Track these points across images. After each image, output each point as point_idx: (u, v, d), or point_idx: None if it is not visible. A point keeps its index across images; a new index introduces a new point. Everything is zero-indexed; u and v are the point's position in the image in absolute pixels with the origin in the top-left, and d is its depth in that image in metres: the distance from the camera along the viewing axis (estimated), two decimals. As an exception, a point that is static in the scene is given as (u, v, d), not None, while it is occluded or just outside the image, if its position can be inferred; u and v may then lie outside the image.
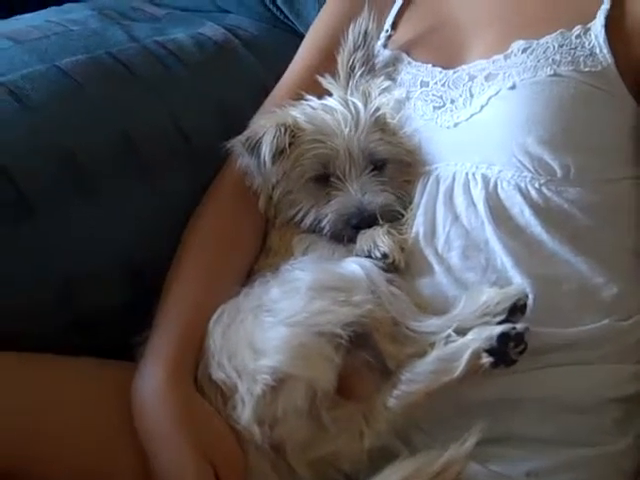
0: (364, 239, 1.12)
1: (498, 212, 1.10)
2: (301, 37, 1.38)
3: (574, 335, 1.05)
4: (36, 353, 1.07)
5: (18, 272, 1.09)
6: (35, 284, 1.10)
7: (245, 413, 1.01)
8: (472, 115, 1.16)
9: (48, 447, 1.01)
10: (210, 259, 1.15)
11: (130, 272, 1.19)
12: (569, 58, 1.12)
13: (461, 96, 1.18)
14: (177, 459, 1.00)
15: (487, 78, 1.17)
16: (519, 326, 1.01)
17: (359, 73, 1.24)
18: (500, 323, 1.02)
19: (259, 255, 1.20)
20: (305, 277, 1.06)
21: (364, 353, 1.04)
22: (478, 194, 1.11)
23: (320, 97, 1.24)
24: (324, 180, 1.17)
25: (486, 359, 1.01)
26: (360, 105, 1.20)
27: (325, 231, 1.15)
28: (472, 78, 1.18)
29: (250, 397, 1.01)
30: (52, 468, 1.00)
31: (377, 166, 1.17)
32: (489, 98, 1.15)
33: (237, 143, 1.17)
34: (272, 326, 1.03)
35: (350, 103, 1.20)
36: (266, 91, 1.32)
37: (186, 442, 1.00)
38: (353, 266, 1.08)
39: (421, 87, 1.22)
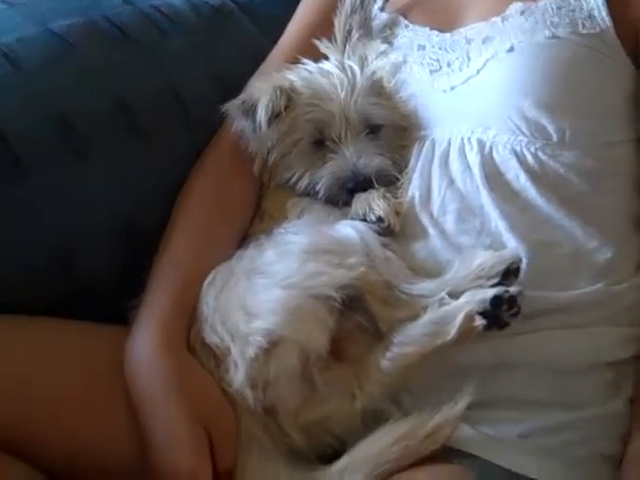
0: (359, 203, 1.12)
1: (493, 176, 1.09)
2: (297, 0, 1.37)
3: (567, 299, 1.05)
4: (32, 316, 1.06)
5: (14, 238, 1.08)
6: (32, 249, 1.09)
7: (238, 376, 1.01)
8: (469, 78, 1.16)
9: (44, 416, 1.00)
10: (204, 221, 1.14)
11: (128, 235, 1.18)
12: (567, 20, 1.12)
13: (458, 59, 1.18)
14: (170, 423, 1.00)
15: (484, 41, 1.16)
16: (512, 289, 1.01)
17: (356, 36, 1.23)
18: (494, 286, 1.02)
19: (253, 219, 1.19)
20: (299, 240, 1.06)
21: (357, 316, 1.04)
22: (473, 158, 1.11)
23: (317, 61, 1.23)
24: (320, 144, 1.16)
25: (479, 322, 1.00)
26: (357, 69, 1.19)
27: (320, 195, 1.15)
28: (469, 41, 1.18)
29: (243, 360, 1.01)
30: (49, 438, 0.99)
31: (373, 130, 1.17)
32: (486, 61, 1.14)
33: (233, 106, 1.17)
34: (266, 288, 1.03)
35: (347, 67, 1.19)
36: (263, 56, 1.31)
37: (178, 406, 1.00)
38: (347, 229, 1.07)
39: (418, 51, 1.21)
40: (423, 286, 1.04)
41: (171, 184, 1.20)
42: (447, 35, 1.20)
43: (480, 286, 1.02)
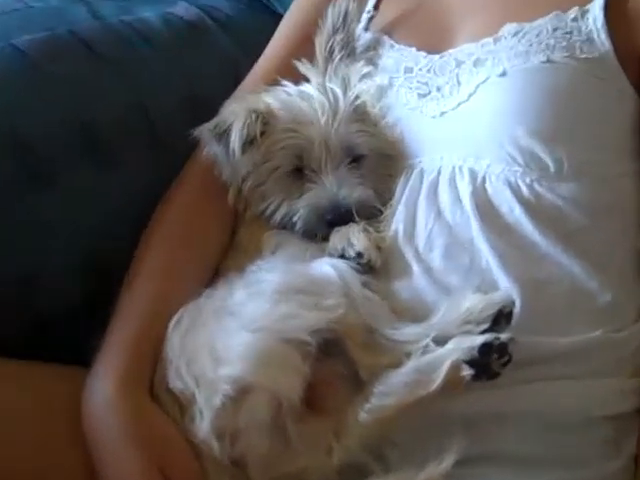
0: (338, 237, 1.07)
1: (485, 209, 1.05)
2: (280, 18, 1.32)
3: (563, 346, 0.99)
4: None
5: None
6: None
7: (203, 426, 0.96)
8: (459, 104, 1.11)
9: None
10: (172, 257, 1.10)
11: (92, 266, 1.14)
12: (564, 43, 1.06)
13: (448, 83, 1.13)
14: (127, 472, 0.95)
15: (475, 64, 1.11)
16: (503, 336, 0.95)
17: (338, 57, 1.18)
18: (483, 332, 0.97)
19: (227, 252, 1.15)
20: (272, 278, 1.01)
21: (335, 362, 0.99)
22: (464, 189, 1.06)
23: (297, 83, 1.19)
24: (298, 173, 1.12)
25: (466, 371, 0.95)
26: (339, 92, 1.15)
27: (297, 227, 1.10)
28: (459, 64, 1.13)
29: (209, 408, 0.95)
30: None
31: (355, 159, 1.12)
32: (477, 85, 1.09)
33: (205, 130, 1.12)
34: (235, 331, 0.98)
35: (328, 90, 1.15)
36: (241, 74, 1.27)
37: (136, 454, 0.95)
38: (325, 267, 1.02)
39: (405, 73, 1.17)
40: (407, 331, 0.99)
41: (138, 212, 1.15)
42: (436, 57, 1.15)
43: (468, 332, 0.97)
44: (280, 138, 1.11)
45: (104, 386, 0.99)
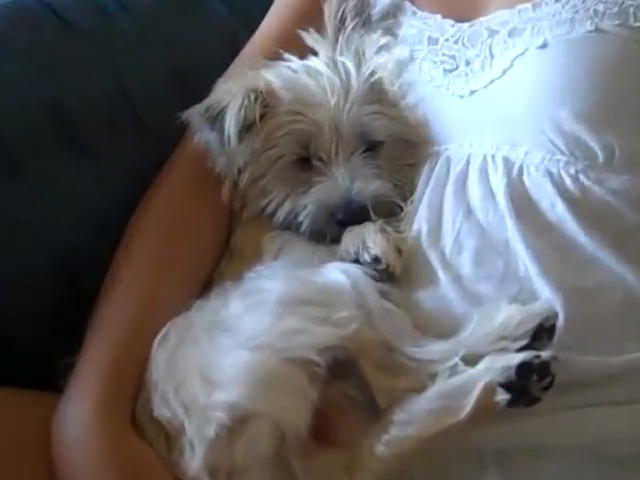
0: (351, 238, 1.09)
1: (523, 205, 1.06)
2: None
3: (615, 366, 1.00)
4: None
5: None
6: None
7: (195, 460, 0.96)
8: (492, 81, 1.12)
9: None
10: (157, 262, 1.11)
11: (63, 271, 1.14)
12: (615, 9, 1.07)
13: (479, 56, 1.14)
14: None
15: (511, 34, 1.12)
16: (545, 354, 0.96)
17: (351, 26, 1.20)
18: (521, 350, 0.98)
19: (221, 257, 1.16)
20: (274, 287, 1.02)
21: (347, 385, 1.01)
22: (498, 182, 1.07)
23: (303, 57, 1.20)
24: (304, 163, 1.13)
25: (501, 396, 0.96)
26: (352, 67, 1.16)
27: (303, 227, 1.12)
28: (492, 34, 1.13)
29: (201, 440, 0.96)
30: None
31: (371, 147, 1.14)
32: (513, 59, 1.10)
33: (195, 113, 1.13)
34: (231, 349, 0.99)
35: (339, 65, 1.17)
36: (237, 46, 1.28)
37: None
38: (336, 273, 1.03)
39: (429, 45, 1.18)
40: (432, 348, 1.00)
41: (117, 208, 1.17)
42: (465, 25, 1.16)
43: (504, 349, 0.98)
44: (283, 122, 1.13)
45: (80, 409, 1.00)
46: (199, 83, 1.20)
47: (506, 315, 1.00)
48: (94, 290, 1.10)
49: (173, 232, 1.14)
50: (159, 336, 1.04)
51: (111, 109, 1.20)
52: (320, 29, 1.21)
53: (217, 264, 1.15)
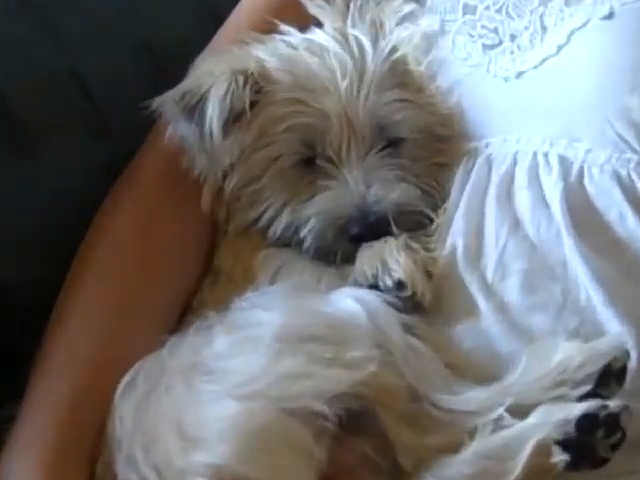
0: (368, 258, 1.10)
1: (584, 216, 1.08)
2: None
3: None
4: None
5: None
6: None
7: None
8: (544, 60, 1.14)
9: None
10: (118, 289, 1.13)
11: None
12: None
13: (527, 29, 1.16)
14: None
15: (568, 1, 1.13)
16: (613, 404, 0.97)
17: None
18: (583, 398, 0.99)
19: (202, 282, 1.18)
20: (270, 320, 1.03)
21: (363, 443, 1.02)
22: (553, 187, 1.09)
23: (303, 29, 1.22)
24: (307, 164, 1.16)
25: (559, 456, 0.96)
26: (367, 43, 1.19)
27: (306, 244, 1.14)
28: (545, 1, 1.15)
29: None
30: None
31: (392, 142, 1.16)
32: (571, 33, 1.12)
33: (168, 101, 1.15)
34: (215, 399, 1.00)
35: (351, 39, 1.19)
36: (217, 18, 1.30)
37: None
38: (348, 302, 1.05)
39: (464, 14, 1.20)
40: (470, 396, 1.01)
41: (70, 218, 1.20)
42: (510, -10, 1.18)
43: (561, 398, 1.00)
44: (280, 113, 1.15)
45: (24, 475, 1.02)
46: (172, 63, 1.23)
47: (564, 355, 1.01)
48: (36, 321, 1.13)
49: (140, 252, 1.16)
50: (124, 382, 1.05)
51: (57, 97, 1.22)
52: (326, -6, 1.23)
53: (197, 290, 1.17)
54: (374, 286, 1.09)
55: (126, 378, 1.05)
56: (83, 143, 1.23)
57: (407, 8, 1.21)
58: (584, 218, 1.08)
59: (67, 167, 1.21)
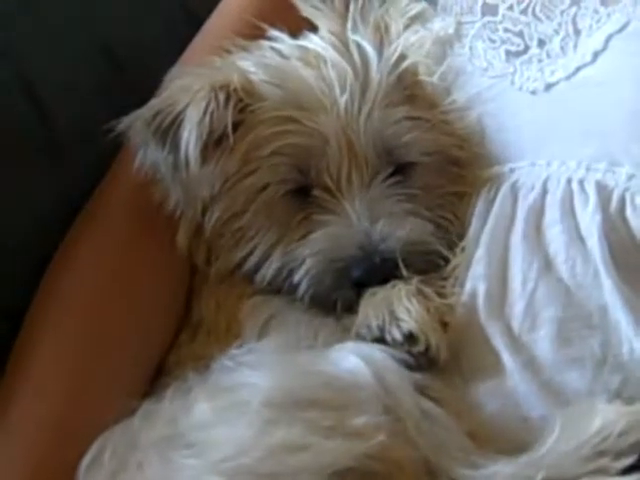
0: (373, 307, 1.12)
1: (626, 254, 1.10)
2: None
3: None
4: None
5: None
6: None
7: None
8: (578, 69, 1.17)
9: None
10: (77, 347, 1.15)
11: None
12: None
13: (558, 33, 1.19)
14: None
15: (605, 0, 1.16)
16: None
17: None
18: (628, 472, 1.00)
19: (177, 337, 1.20)
20: (260, 382, 1.05)
21: None
22: (589, 220, 1.11)
23: (295, 34, 1.24)
24: (300, 195, 1.17)
25: None
26: (370, 50, 1.21)
27: (301, 291, 1.15)
28: (578, 0, 1.18)
29: None
30: None
31: (400, 168, 1.18)
32: (609, 37, 1.15)
33: (137, 122, 1.17)
34: (196, 476, 1.01)
35: (352, 47, 1.21)
36: (193, 19, 1.34)
37: None
38: (351, 360, 1.06)
39: (484, 15, 1.23)
40: (494, 470, 1.03)
41: (23, 265, 1.22)
42: (537, -11, 1.20)
43: (602, 471, 1.01)
44: (268, 134, 1.16)
45: None
46: (141, 76, 1.26)
47: (604, 419, 1.03)
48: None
49: (103, 304, 1.18)
50: (86, 459, 1.07)
51: (13, 119, 1.24)
52: (322, -6, 1.24)
53: (173, 347, 1.19)
54: (381, 339, 1.10)
55: (90, 453, 1.07)
56: (34, 174, 1.25)
57: (416, 8, 1.24)
58: (626, 256, 1.10)
59: (26, 198, 1.23)
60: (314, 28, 1.24)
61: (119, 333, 1.17)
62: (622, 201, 1.12)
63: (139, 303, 1.19)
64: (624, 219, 1.11)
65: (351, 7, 1.24)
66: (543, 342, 1.10)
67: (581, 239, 1.12)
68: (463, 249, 1.16)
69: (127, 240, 1.21)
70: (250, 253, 1.18)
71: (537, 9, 1.20)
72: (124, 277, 1.19)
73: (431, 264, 1.16)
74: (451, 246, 1.16)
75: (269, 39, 1.23)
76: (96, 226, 1.22)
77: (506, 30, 1.21)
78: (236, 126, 1.15)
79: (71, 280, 1.19)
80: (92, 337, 1.17)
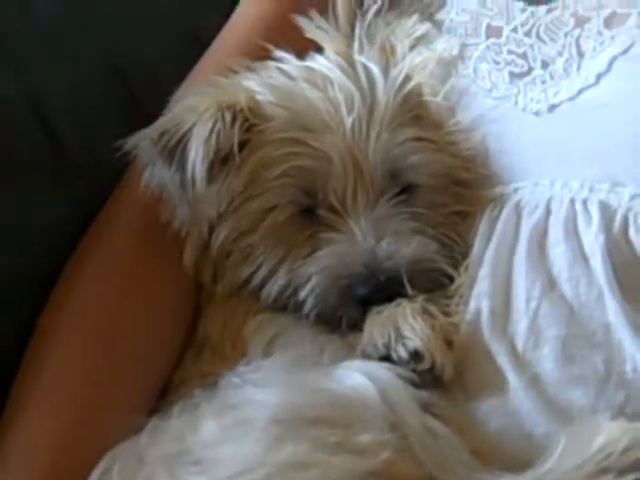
0: (379, 325, 1.13)
1: (630, 274, 1.11)
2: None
3: None
4: None
5: None
6: None
7: None
8: (581, 90, 1.18)
9: None
10: (86, 365, 1.16)
11: None
12: None
13: (561, 54, 1.20)
14: None
15: (609, 22, 1.17)
16: None
17: (374, 9, 1.26)
18: None
19: (183, 355, 1.21)
20: (266, 399, 1.06)
21: None
22: (593, 240, 1.12)
23: (301, 55, 1.25)
24: (307, 215, 1.18)
25: None
26: (376, 71, 1.22)
27: (307, 309, 1.16)
28: (581, 22, 1.19)
29: None
30: None
31: (406, 188, 1.19)
32: (612, 59, 1.16)
33: (144, 141, 1.18)
34: None
35: (359, 68, 1.22)
36: (200, 42, 1.34)
37: None
38: (357, 378, 1.07)
39: (488, 37, 1.24)
40: None
41: (28, 282, 1.23)
42: (541, 10, 1.22)
43: None
44: (275, 156, 1.17)
45: None
46: (148, 95, 1.27)
47: (608, 437, 1.03)
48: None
49: (111, 322, 1.19)
50: (96, 473, 1.08)
51: (11, 134, 1.25)
52: (327, 13, 1.26)
53: (179, 364, 1.20)
54: (386, 357, 1.11)
55: (98, 469, 1.08)
56: (41, 187, 1.25)
57: (421, 29, 1.25)
58: (630, 276, 1.11)
59: (33, 217, 1.24)
60: (320, 49, 1.25)
61: (127, 350, 1.18)
62: (625, 221, 1.13)
63: (146, 322, 1.20)
64: (627, 239, 1.12)
65: (357, 28, 1.25)
66: (547, 360, 1.10)
67: (585, 259, 1.12)
68: (467, 268, 1.16)
69: (133, 259, 1.22)
70: (256, 270, 1.18)
71: (541, 31, 1.21)
72: (131, 295, 1.20)
73: (436, 282, 1.16)
74: (455, 265, 1.17)
75: (275, 60, 1.24)
76: (102, 246, 1.23)
77: (510, 52, 1.22)
78: (242, 146, 1.16)
79: (79, 298, 1.20)
80: (101, 356, 1.17)
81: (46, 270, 1.23)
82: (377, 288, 1.15)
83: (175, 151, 1.16)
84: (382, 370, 1.09)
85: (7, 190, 1.23)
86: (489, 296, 1.14)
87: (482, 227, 1.18)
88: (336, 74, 1.21)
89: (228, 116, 1.15)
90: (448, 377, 1.11)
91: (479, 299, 1.14)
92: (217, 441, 1.05)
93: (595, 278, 1.11)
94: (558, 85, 1.19)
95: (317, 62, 1.23)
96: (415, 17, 1.26)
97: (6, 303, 1.21)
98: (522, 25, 1.23)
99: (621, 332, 1.10)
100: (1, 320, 1.21)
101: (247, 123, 1.17)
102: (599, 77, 1.17)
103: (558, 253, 1.14)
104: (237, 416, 1.06)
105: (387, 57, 1.23)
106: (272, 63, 1.24)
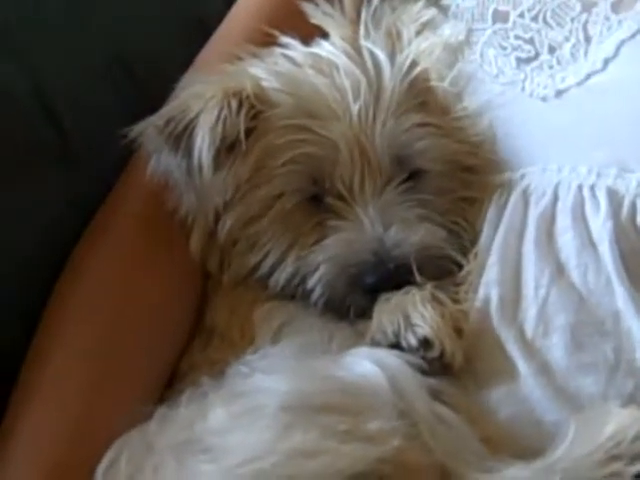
0: (387, 312, 1.13)
1: (638, 261, 1.11)
2: None
3: None
4: None
5: None
6: None
7: None
8: (589, 75, 1.18)
9: None
10: (92, 357, 1.16)
11: None
12: None
13: (568, 40, 1.20)
14: None
15: (616, 7, 1.17)
16: None
17: None
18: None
19: (191, 343, 1.21)
20: (275, 386, 1.05)
21: None
22: (601, 227, 1.12)
23: (307, 41, 1.25)
24: (314, 203, 1.18)
25: None
26: (383, 57, 1.22)
27: (315, 297, 1.16)
28: (588, 7, 1.19)
29: None
30: None
31: (413, 175, 1.19)
32: (620, 44, 1.16)
33: (149, 129, 1.18)
34: (212, 479, 1.02)
35: (365, 54, 1.22)
36: (206, 28, 1.34)
37: None
38: (366, 365, 1.07)
39: (494, 22, 1.23)
40: (509, 475, 1.03)
41: (37, 271, 1.23)
42: (548, -6, 1.21)
43: (616, 475, 1.02)
44: (281, 143, 1.17)
45: None
46: (153, 83, 1.27)
47: (618, 424, 1.04)
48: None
49: (117, 312, 1.19)
50: (104, 462, 1.08)
51: (23, 125, 1.25)
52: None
53: (187, 352, 1.20)
54: (395, 345, 1.11)
55: (107, 458, 1.07)
56: (45, 177, 1.25)
57: (428, 14, 1.25)
58: (638, 263, 1.11)
59: (37, 207, 1.24)
60: (326, 34, 1.25)
61: (133, 341, 1.18)
62: (633, 208, 1.13)
63: (153, 310, 1.20)
64: (635, 226, 1.12)
65: (363, 13, 1.25)
66: (556, 347, 1.11)
67: (593, 245, 1.12)
68: (476, 255, 1.16)
69: (139, 248, 1.22)
70: (264, 258, 1.18)
71: (548, 16, 1.21)
72: (139, 285, 1.21)
73: (444, 270, 1.16)
74: (464, 252, 1.17)
75: (281, 46, 1.24)
76: (107, 236, 1.23)
77: (517, 37, 1.22)
78: (248, 132, 1.16)
79: (84, 289, 1.20)
80: (106, 346, 1.18)
81: (49, 262, 1.23)
82: (385, 276, 1.14)
83: (181, 138, 1.16)
84: (391, 357, 1.09)
85: (9, 182, 1.22)
86: (498, 284, 1.14)
87: (490, 214, 1.18)
88: (342, 60, 1.20)
89: (234, 103, 1.15)
90: (458, 365, 1.11)
91: (488, 287, 1.14)
92: (226, 429, 1.04)
93: (603, 265, 1.12)
94: (565, 70, 1.19)
95: (323, 48, 1.23)
96: (421, 2, 1.26)
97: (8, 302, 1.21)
98: (529, 10, 1.22)
99: (630, 320, 1.10)
100: (4, 319, 1.21)
101: (253, 110, 1.16)
102: (606, 62, 1.17)
103: (566, 240, 1.14)
104: (246, 404, 1.06)
105: (393, 42, 1.23)
106: (278, 49, 1.24)
